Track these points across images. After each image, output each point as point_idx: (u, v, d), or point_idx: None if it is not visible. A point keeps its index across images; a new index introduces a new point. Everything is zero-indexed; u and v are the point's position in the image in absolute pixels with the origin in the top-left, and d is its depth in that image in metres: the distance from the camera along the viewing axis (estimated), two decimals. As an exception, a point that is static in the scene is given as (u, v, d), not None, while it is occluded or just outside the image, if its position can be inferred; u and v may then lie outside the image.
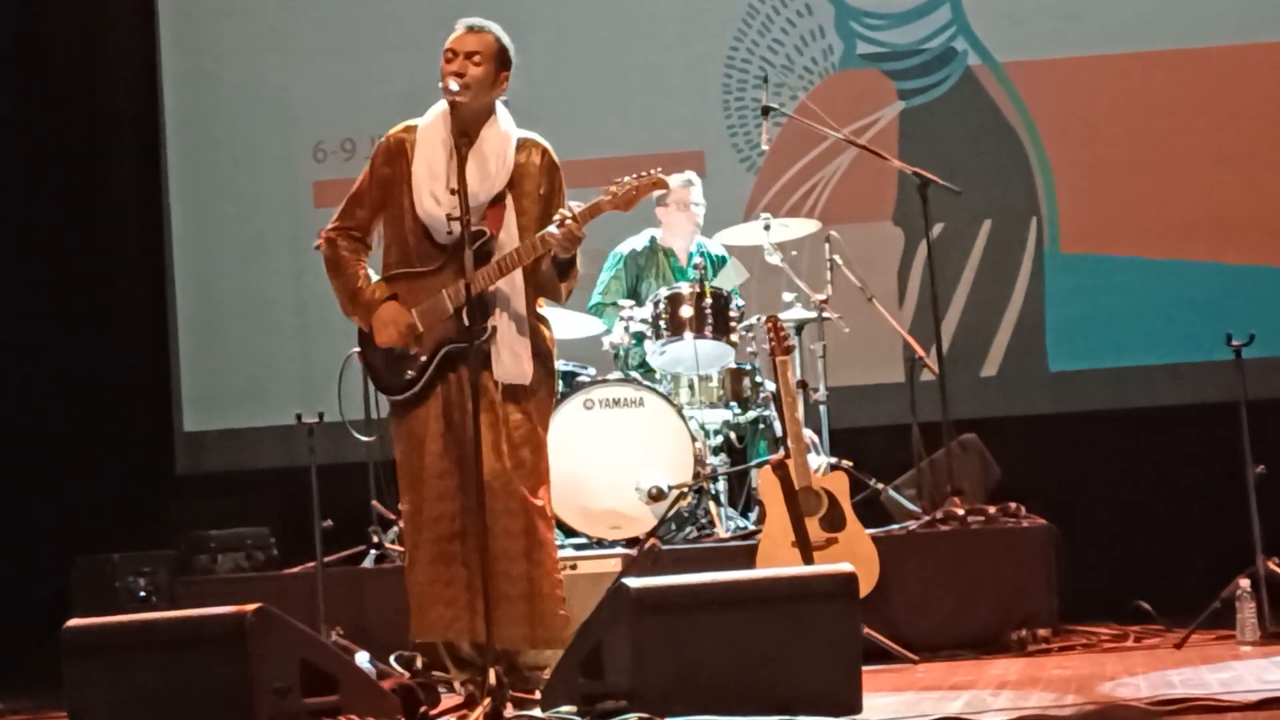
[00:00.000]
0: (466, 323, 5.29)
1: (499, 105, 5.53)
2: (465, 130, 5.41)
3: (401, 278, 5.50)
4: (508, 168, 5.48)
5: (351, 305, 5.55)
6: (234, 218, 9.35)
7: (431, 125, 5.50)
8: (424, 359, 5.44)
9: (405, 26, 9.11)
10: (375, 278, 5.56)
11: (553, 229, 5.37)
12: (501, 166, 5.46)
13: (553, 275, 5.50)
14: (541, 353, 5.53)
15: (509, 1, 8.59)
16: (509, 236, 5.44)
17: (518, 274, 5.45)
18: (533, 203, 5.49)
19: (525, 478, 5.42)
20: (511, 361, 5.43)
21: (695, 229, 7.90)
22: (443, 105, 5.47)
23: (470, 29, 5.49)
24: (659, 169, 5.49)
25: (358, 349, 5.65)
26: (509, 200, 5.47)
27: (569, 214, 5.35)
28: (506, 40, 5.51)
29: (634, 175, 5.45)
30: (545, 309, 5.67)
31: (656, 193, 7.83)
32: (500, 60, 5.48)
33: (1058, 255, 8.96)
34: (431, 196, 5.42)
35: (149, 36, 9.46)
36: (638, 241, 7.92)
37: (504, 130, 5.50)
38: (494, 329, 5.39)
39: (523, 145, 5.53)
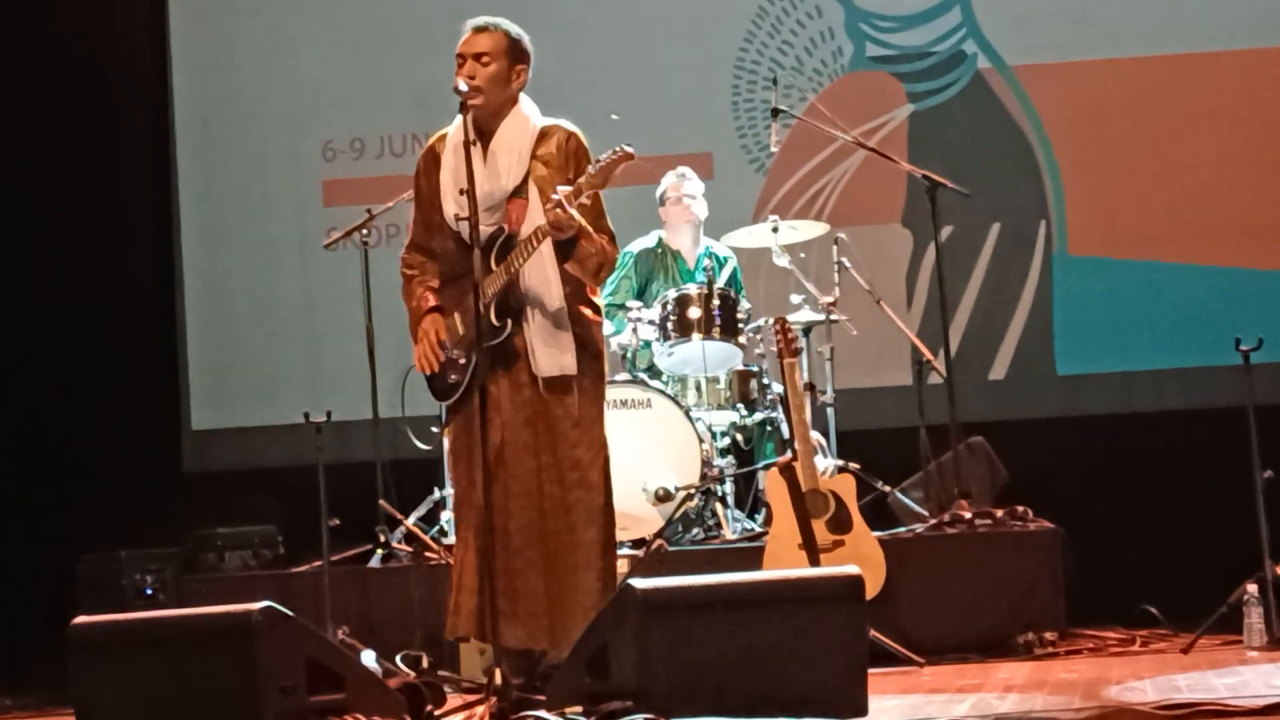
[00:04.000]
0: (479, 323, 5.30)
1: (522, 97, 5.52)
2: (482, 130, 5.41)
3: (449, 284, 5.55)
4: (523, 162, 5.47)
5: (413, 325, 5.63)
6: (243, 216, 9.36)
7: (457, 130, 5.50)
8: (462, 361, 5.47)
9: (415, 25, 9.11)
10: (433, 286, 5.63)
11: (542, 220, 5.38)
12: (515, 162, 5.46)
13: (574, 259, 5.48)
14: (585, 340, 5.51)
15: (517, 2, 8.62)
16: (532, 229, 5.43)
17: (549, 265, 5.43)
18: (554, 189, 5.43)
19: (561, 477, 5.41)
20: (548, 355, 5.42)
21: (695, 226, 7.88)
22: None
23: (478, 29, 5.48)
24: (628, 144, 5.41)
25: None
26: (531, 192, 5.46)
27: (556, 198, 5.34)
28: (518, 33, 5.49)
29: (608, 153, 5.41)
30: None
31: (658, 191, 7.90)
32: (513, 55, 5.47)
33: (1066, 258, 8.96)
34: (454, 201, 5.43)
35: (159, 35, 9.46)
36: (646, 241, 7.92)
37: (524, 123, 5.49)
38: (512, 325, 5.39)
39: (546, 134, 5.52)
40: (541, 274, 5.43)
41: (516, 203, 5.47)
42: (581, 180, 5.38)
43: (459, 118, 5.48)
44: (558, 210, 5.32)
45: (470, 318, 5.43)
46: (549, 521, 5.39)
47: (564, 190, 5.34)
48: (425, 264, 5.63)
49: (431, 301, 5.56)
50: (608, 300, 7.87)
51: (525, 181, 5.48)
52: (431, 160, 5.57)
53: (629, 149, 5.39)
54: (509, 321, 5.42)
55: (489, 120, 5.45)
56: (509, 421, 5.43)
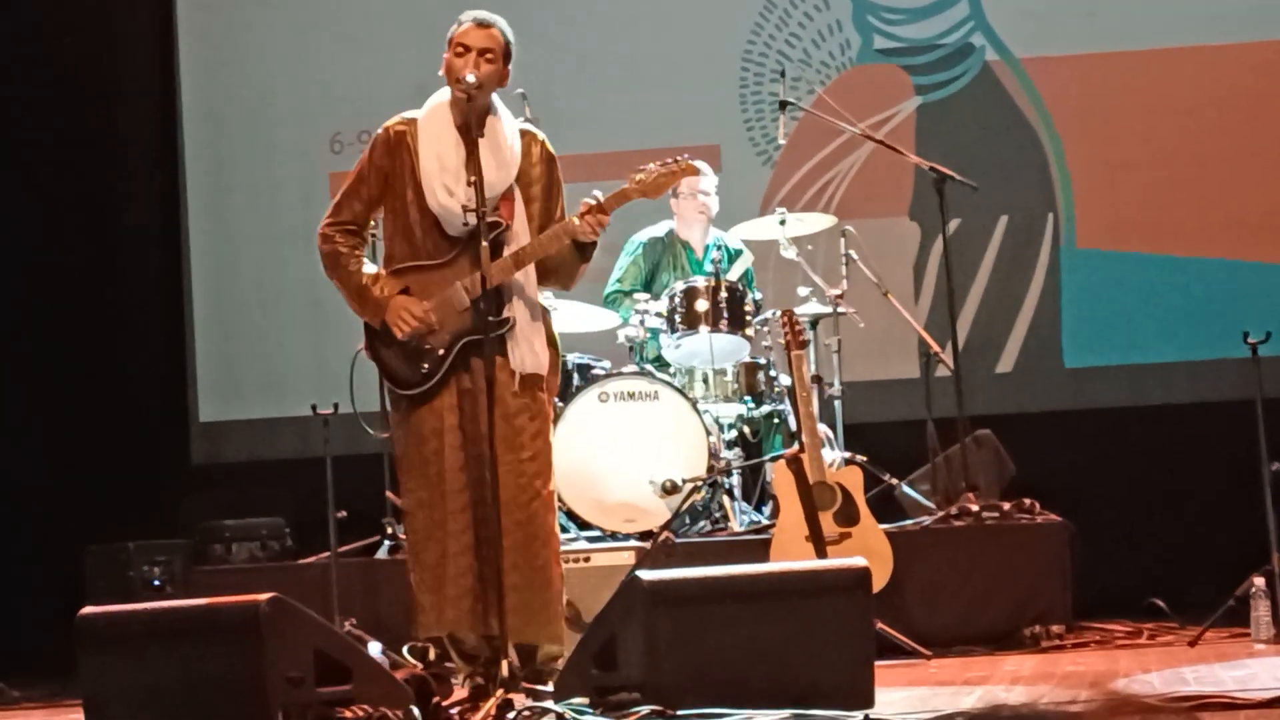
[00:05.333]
0: (487, 314, 5.28)
1: (494, 97, 5.54)
2: (471, 123, 5.40)
3: (411, 271, 5.47)
4: (515, 159, 5.48)
5: (359, 302, 5.49)
6: (250, 209, 9.37)
7: (434, 117, 5.47)
8: (440, 352, 5.42)
9: (422, 18, 9.08)
10: (370, 268, 5.53)
11: (576, 218, 5.38)
12: (510, 158, 5.47)
13: (568, 260, 5.48)
14: (551, 339, 5.55)
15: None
16: (520, 226, 5.45)
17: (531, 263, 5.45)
18: (538, 193, 5.50)
19: (538, 471, 5.42)
20: (528, 352, 5.43)
21: (706, 220, 7.89)
22: (441, 97, 5.47)
23: (480, 24, 5.46)
24: (686, 155, 5.48)
25: (363, 346, 5.61)
26: (516, 191, 5.48)
27: (595, 201, 5.36)
28: (511, 35, 5.51)
29: (661, 162, 5.44)
30: (560, 299, 5.67)
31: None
32: (506, 57, 5.49)
33: (1074, 251, 8.95)
34: (444, 189, 5.40)
35: (167, 27, 9.47)
36: (656, 230, 7.92)
37: (507, 122, 5.51)
38: (513, 320, 5.38)
39: (523, 136, 5.54)
40: (524, 271, 5.44)
41: (505, 199, 5.46)
42: (630, 186, 5.43)
43: (430, 105, 5.48)
44: (600, 215, 5.35)
45: (447, 309, 5.41)
46: (519, 514, 5.38)
47: (603, 196, 5.37)
48: (356, 243, 5.54)
49: (396, 285, 5.48)
50: (615, 287, 7.88)
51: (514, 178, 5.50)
52: (397, 142, 5.49)
53: (694, 162, 5.46)
54: (510, 317, 5.39)
55: (478, 115, 5.45)
56: (483, 416, 5.39)
